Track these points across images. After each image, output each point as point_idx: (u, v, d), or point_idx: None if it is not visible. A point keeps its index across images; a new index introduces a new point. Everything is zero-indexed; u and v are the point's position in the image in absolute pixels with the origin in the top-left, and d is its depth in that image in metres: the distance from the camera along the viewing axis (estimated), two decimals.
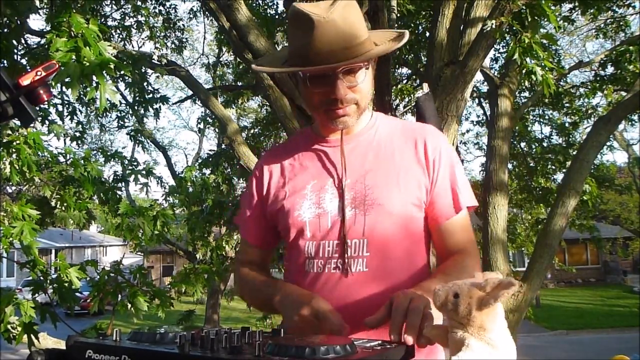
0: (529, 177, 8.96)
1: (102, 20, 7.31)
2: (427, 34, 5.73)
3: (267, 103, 7.03)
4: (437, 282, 1.04)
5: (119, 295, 3.74)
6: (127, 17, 7.92)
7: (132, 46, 8.93)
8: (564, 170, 7.98)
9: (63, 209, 4.20)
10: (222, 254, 7.31)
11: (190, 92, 8.85)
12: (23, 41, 4.69)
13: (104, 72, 2.42)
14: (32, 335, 2.98)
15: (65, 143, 5.91)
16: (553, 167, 8.89)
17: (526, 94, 8.39)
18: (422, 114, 2.82)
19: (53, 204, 4.23)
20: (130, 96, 6.95)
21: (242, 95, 9.16)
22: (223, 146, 8.94)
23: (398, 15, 4.94)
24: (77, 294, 3.22)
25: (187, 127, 43.81)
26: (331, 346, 0.80)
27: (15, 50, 3.51)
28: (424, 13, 6.62)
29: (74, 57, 2.41)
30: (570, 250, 25.01)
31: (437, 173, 1.28)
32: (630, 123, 12.06)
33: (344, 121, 1.25)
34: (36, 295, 3.12)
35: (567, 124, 9.33)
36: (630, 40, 7.16)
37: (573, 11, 6.86)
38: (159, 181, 6.41)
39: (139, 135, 7.36)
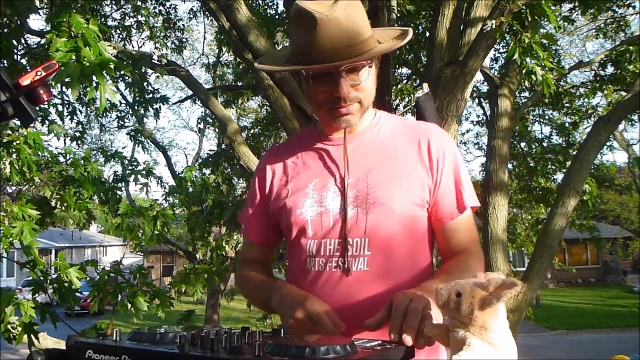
0: (529, 177, 8.95)
1: (102, 20, 7.30)
2: (427, 34, 5.72)
3: (267, 103, 7.03)
4: (440, 281, 1.03)
5: (119, 295, 3.74)
6: (127, 17, 7.92)
7: (132, 46, 8.94)
8: (564, 170, 7.98)
9: (63, 209, 4.21)
10: (222, 254, 7.32)
11: (190, 92, 8.86)
12: (23, 41, 4.69)
13: (104, 72, 2.42)
14: (32, 335, 2.99)
15: (65, 143, 5.93)
16: (553, 167, 8.89)
17: (526, 94, 8.39)
18: (422, 114, 2.81)
19: (53, 204, 4.23)
20: (130, 96, 6.96)
21: (242, 95, 9.14)
22: (223, 146, 8.93)
23: (398, 15, 4.94)
24: (77, 294, 3.22)
25: (187, 127, 43.81)
26: (331, 346, 0.80)
27: (15, 50, 3.52)
28: (424, 13, 6.61)
29: (74, 57, 2.41)
30: (570, 250, 25.00)
31: (441, 173, 1.27)
32: (630, 123, 12.08)
33: (347, 120, 1.24)
34: (36, 295, 3.12)
35: (567, 124, 9.33)
36: (630, 40, 7.15)
37: (573, 11, 6.86)
38: (159, 181, 6.40)
39: (139, 135, 7.36)
